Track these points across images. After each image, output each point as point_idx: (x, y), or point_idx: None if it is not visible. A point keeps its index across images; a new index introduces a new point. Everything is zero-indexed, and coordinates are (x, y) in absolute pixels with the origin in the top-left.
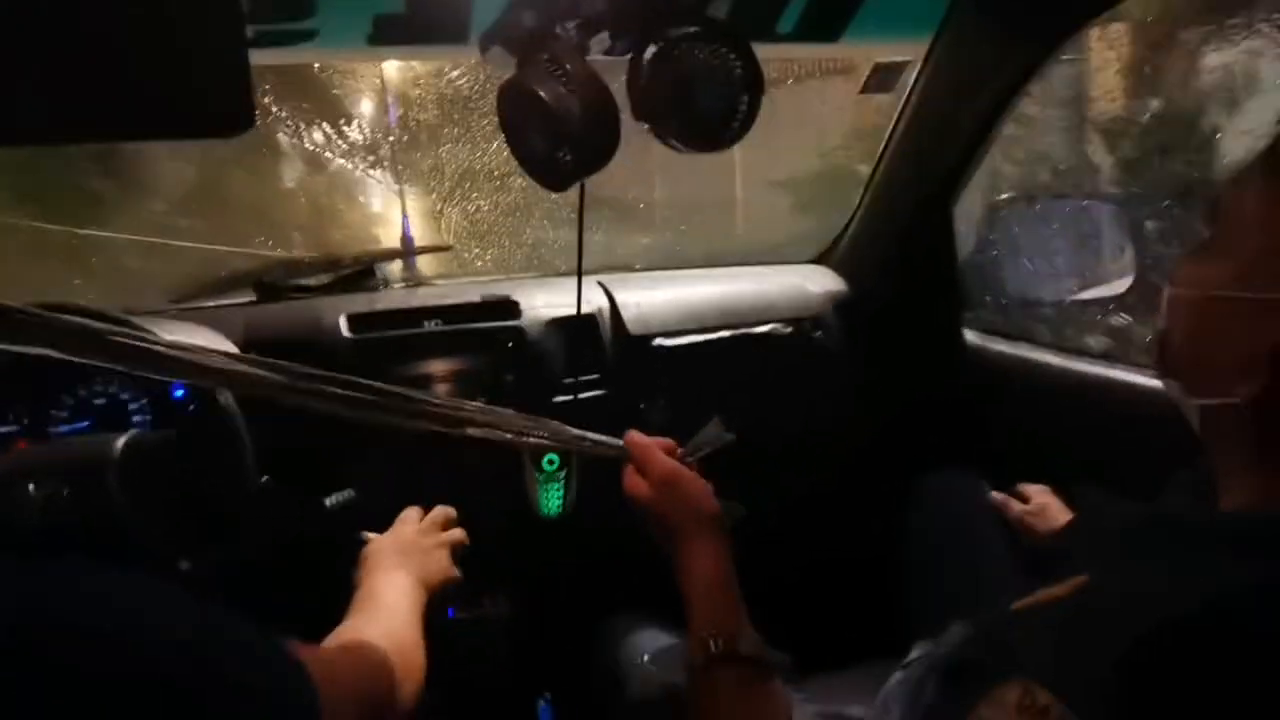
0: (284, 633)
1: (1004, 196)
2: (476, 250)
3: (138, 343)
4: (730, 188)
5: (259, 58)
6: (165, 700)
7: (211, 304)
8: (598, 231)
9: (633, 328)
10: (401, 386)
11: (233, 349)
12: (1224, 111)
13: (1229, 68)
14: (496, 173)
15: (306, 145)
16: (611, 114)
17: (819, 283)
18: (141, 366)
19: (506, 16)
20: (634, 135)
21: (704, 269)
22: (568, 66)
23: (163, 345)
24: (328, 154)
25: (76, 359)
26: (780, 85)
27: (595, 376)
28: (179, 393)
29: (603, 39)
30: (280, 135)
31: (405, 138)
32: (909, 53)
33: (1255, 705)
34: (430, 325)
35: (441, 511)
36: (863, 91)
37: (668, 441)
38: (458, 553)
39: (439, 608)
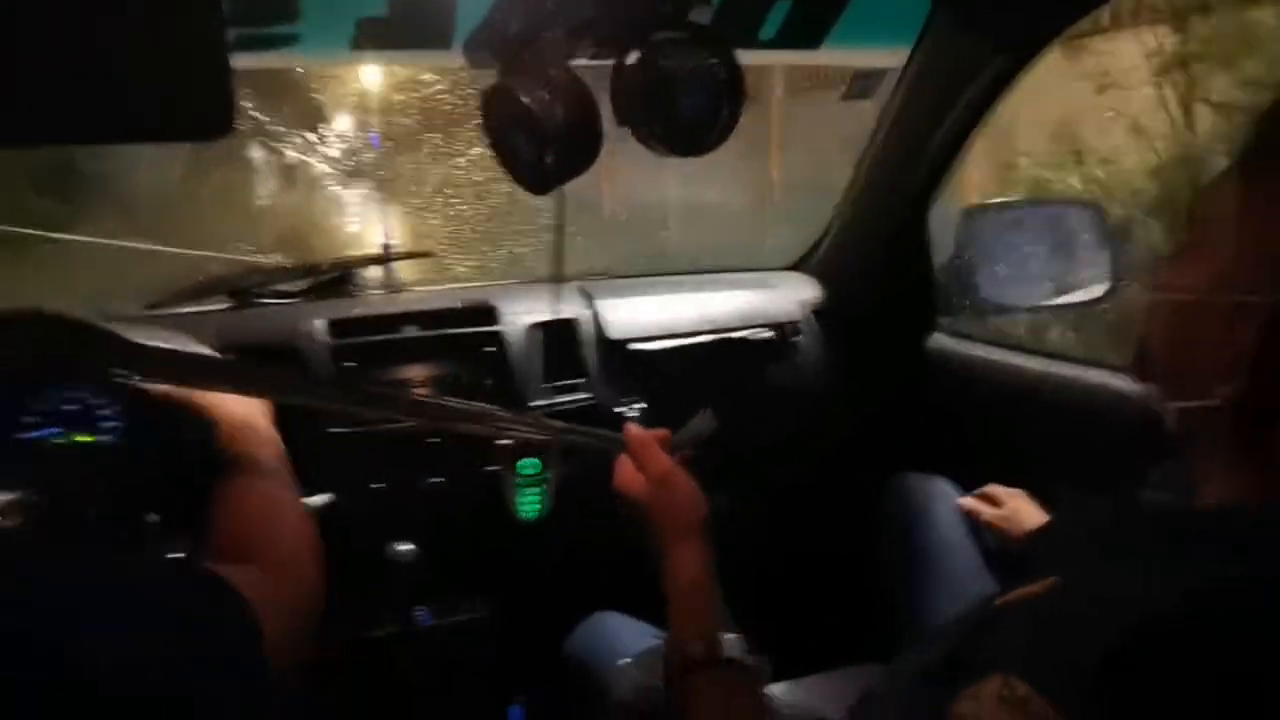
0: None
1: (980, 202)
2: (457, 256)
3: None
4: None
5: (241, 62)
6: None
7: (187, 310)
8: (577, 236)
9: (612, 333)
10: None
11: (212, 355)
12: None
13: None
14: (478, 179)
15: (285, 150)
16: (594, 119)
17: (797, 288)
18: (132, 368)
19: (490, 22)
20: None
21: (683, 275)
22: (551, 72)
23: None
24: (306, 159)
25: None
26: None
27: (574, 381)
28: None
29: (586, 44)
30: (259, 140)
31: (388, 143)
32: (890, 60)
33: (1229, 692)
34: (409, 331)
35: None
36: (844, 98)
37: (664, 433)
38: None
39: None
